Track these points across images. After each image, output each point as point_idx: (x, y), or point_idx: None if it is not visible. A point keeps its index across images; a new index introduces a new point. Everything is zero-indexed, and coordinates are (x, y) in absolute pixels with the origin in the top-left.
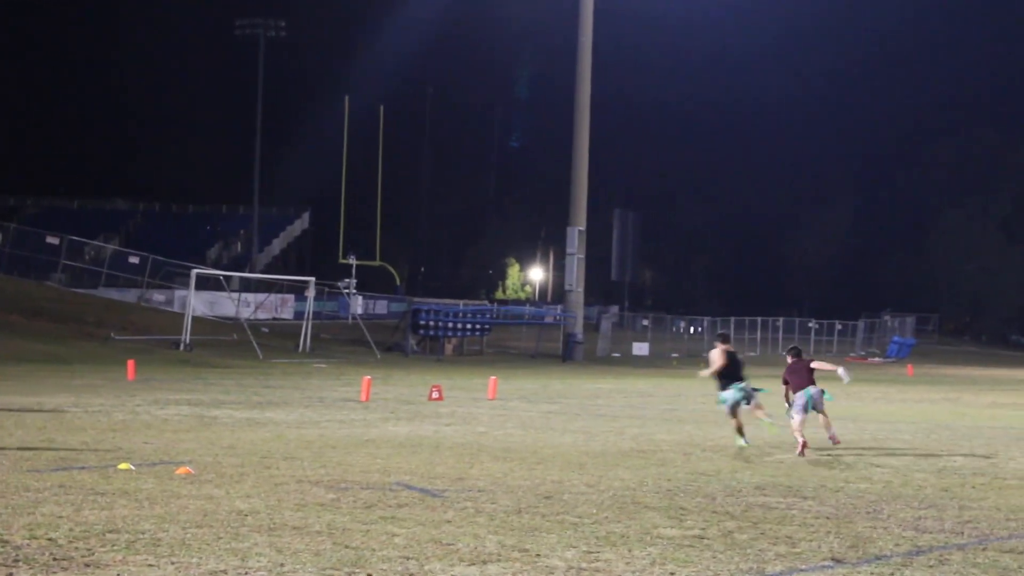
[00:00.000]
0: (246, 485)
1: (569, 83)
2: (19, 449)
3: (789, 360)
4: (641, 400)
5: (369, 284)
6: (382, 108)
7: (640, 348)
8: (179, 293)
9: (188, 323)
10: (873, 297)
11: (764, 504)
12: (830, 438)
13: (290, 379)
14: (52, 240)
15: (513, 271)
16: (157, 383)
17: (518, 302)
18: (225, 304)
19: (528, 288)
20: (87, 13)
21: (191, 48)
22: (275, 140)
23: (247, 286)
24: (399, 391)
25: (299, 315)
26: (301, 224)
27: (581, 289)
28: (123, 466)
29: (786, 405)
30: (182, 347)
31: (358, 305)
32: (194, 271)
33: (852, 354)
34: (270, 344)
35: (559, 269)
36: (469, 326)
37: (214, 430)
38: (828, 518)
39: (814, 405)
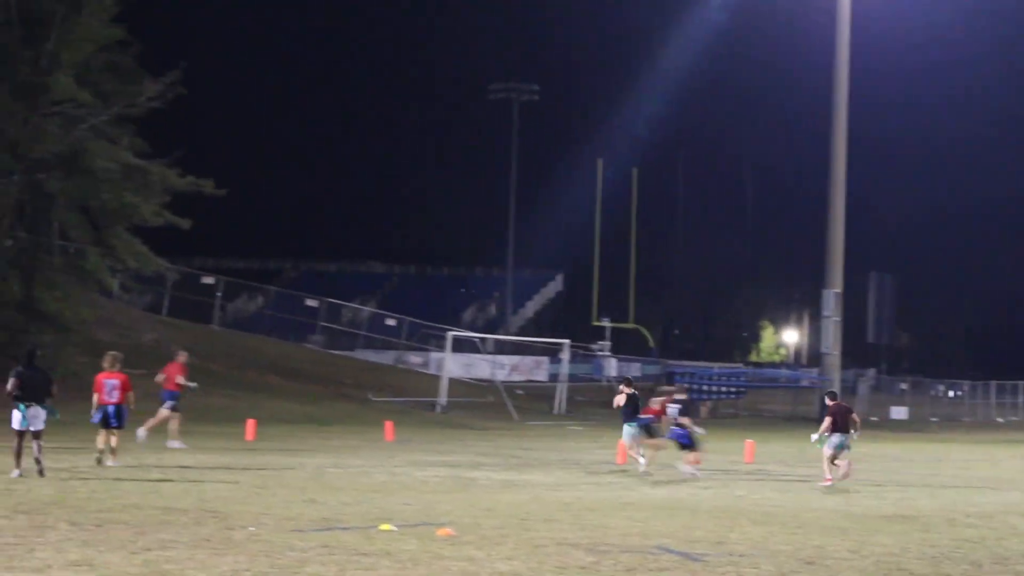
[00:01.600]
0: (506, 547)
1: (823, 147)
2: (283, 509)
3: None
4: (900, 464)
5: (623, 346)
6: (635, 171)
7: (898, 412)
8: (435, 355)
9: (445, 385)
10: None
11: None
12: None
13: (545, 441)
14: (311, 303)
15: (767, 333)
16: (415, 444)
17: (772, 365)
18: (480, 366)
19: (783, 350)
20: (343, 80)
21: (446, 113)
22: (529, 203)
23: (502, 348)
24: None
25: (553, 377)
26: (555, 286)
27: (837, 352)
28: (385, 527)
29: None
30: (438, 408)
31: (612, 367)
32: (450, 333)
33: None
34: (525, 406)
35: (814, 331)
36: (723, 388)
37: (472, 491)
38: None
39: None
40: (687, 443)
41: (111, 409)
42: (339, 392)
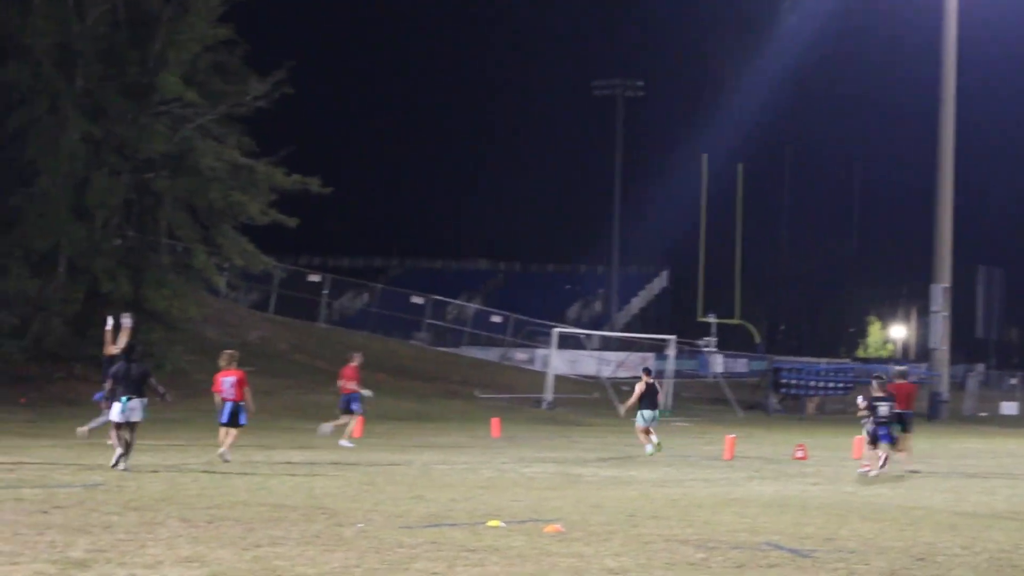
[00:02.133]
0: (615, 543)
1: (930, 140)
2: (391, 505)
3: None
4: (1012, 460)
5: (729, 342)
6: (740, 166)
7: (1008, 407)
8: (540, 352)
9: (550, 381)
10: None
11: None
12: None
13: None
14: (417, 300)
15: (874, 329)
16: (521, 441)
17: (880, 360)
18: (586, 362)
19: (890, 346)
20: (449, 77)
21: (550, 109)
22: (634, 199)
23: (607, 344)
24: (762, 450)
25: (659, 373)
26: (660, 283)
27: (946, 347)
28: (493, 523)
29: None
30: (544, 405)
31: (718, 363)
32: (555, 330)
33: None
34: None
35: (922, 326)
36: (831, 384)
37: (580, 488)
38: None
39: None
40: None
41: (229, 406)
42: (446, 389)
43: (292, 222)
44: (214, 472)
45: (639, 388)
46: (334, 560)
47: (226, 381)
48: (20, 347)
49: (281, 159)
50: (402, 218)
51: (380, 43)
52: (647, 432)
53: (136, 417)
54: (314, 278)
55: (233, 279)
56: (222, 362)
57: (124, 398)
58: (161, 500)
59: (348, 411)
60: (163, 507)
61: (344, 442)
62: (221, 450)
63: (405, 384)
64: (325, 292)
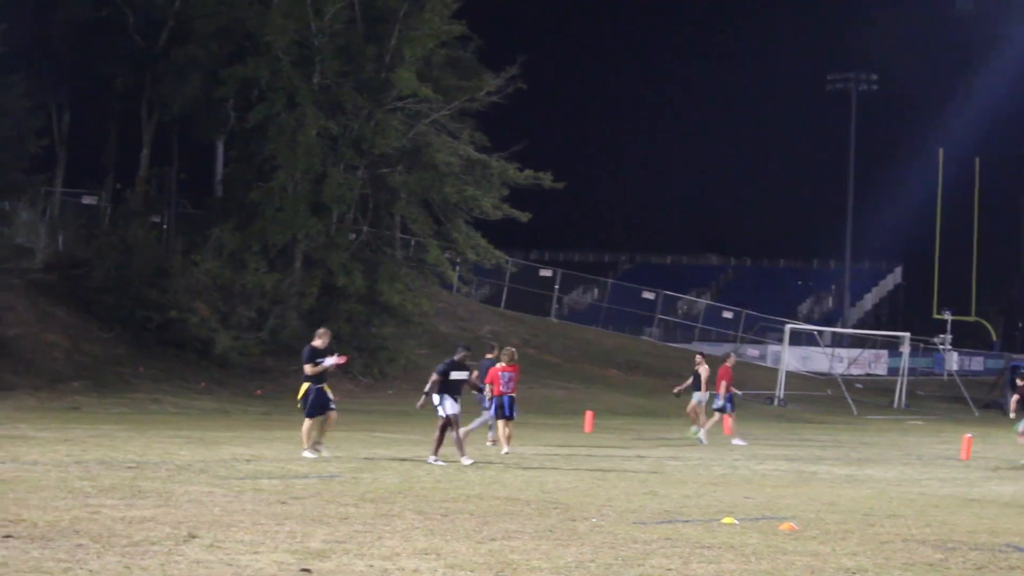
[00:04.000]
0: (851, 542)
1: None
2: (624, 501)
3: None
4: None
5: (964, 339)
6: (977, 160)
7: None
8: (772, 348)
9: (782, 378)
10: None
11: None
12: None
13: (886, 436)
14: (648, 295)
15: None
16: (754, 438)
17: None
18: (818, 359)
19: None
20: (682, 72)
21: (784, 104)
22: (867, 194)
23: (839, 341)
24: (1001, 449)
25: (893, 371)
26: (893, 279)
27: None
28: (727, 520)
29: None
30: (776, 402)
31: (953, 361)
32: (788, 326)
33: None
34: (864, 400)
35: None
36: None
37: (813, 486)
38: None
39: None
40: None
41: (506, 400)
42: (676, 385)
43: (524, 217)
44: (448, 466)
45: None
46: (568, 555)
47: (504, 376)
48: (257, 340)
49: (514, 154)
50: (633, 213)
51: (613, 38)
52: None
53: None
54: (545, 273)
55: (465, 273)
56: (504, 357)
57: (447, 395)
58: (396, 492)
59: (721, 409)
60: (398, 499)
61: (737, 440)
62: (506, 449)
63: (635, 379)
64: (556, 287)
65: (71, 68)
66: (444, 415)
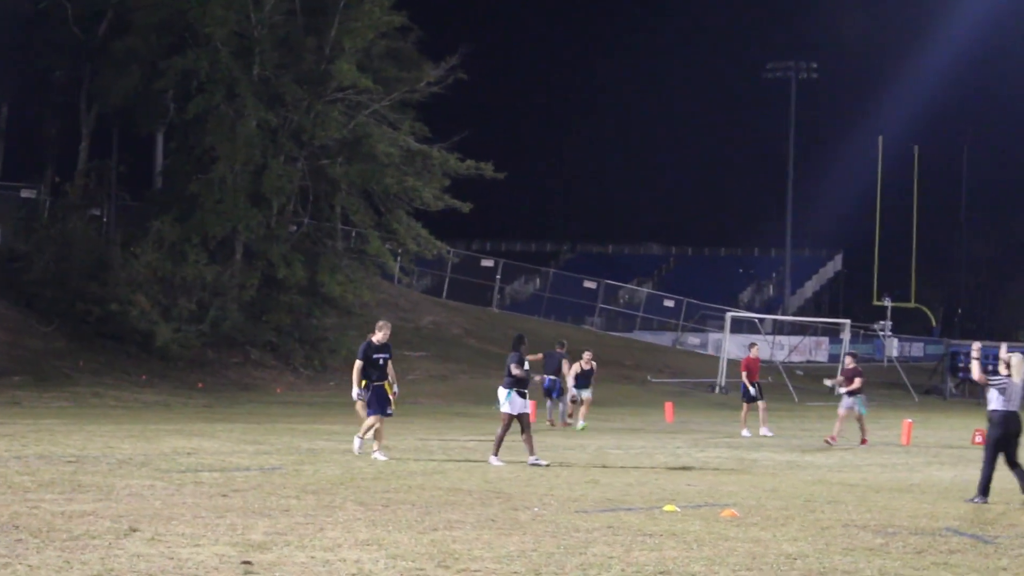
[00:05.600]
0: (792, 528)
1: None
2: (566, 490)
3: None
4: None
5: (904, 326)
6: (916, 148)
7: None
8: (713, 336)
9: (724, 366)
10: None
11: None
12: None
13: (827, 422)
14: (589, 285)
15: None
16: (695, 425)
17: None
18: (759, 347)
19: None
20: (619, 60)
21: (723, 93)
22: (807, 182)
23: (780, 329)
24: (940, 435)
25: (833, 358)
26: (834, 266)
27: None
28: (669, 508)
29: None
30: (718, 390)
31: (893, 347)
32: (729, 314)
33: None
34: (805, 387)
35: None
36: None
37: (755, 473)
38: None
39: None
40: None
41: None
42: (619, 374)
43: (465, 207)
44: (389, 456)
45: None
46: (510, 544)
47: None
48: (198, 332)
49: (455, 144)
50: (574, 202)
51: (552, 28)
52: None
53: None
54: (487, 263)
55: (407, 264)
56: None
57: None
58: (338, 484)
59: (752, 399)
60: (340, 491)
61: (765, 430)
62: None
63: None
64: (498, 277)
65: (9, 60)
66: (512, 412)
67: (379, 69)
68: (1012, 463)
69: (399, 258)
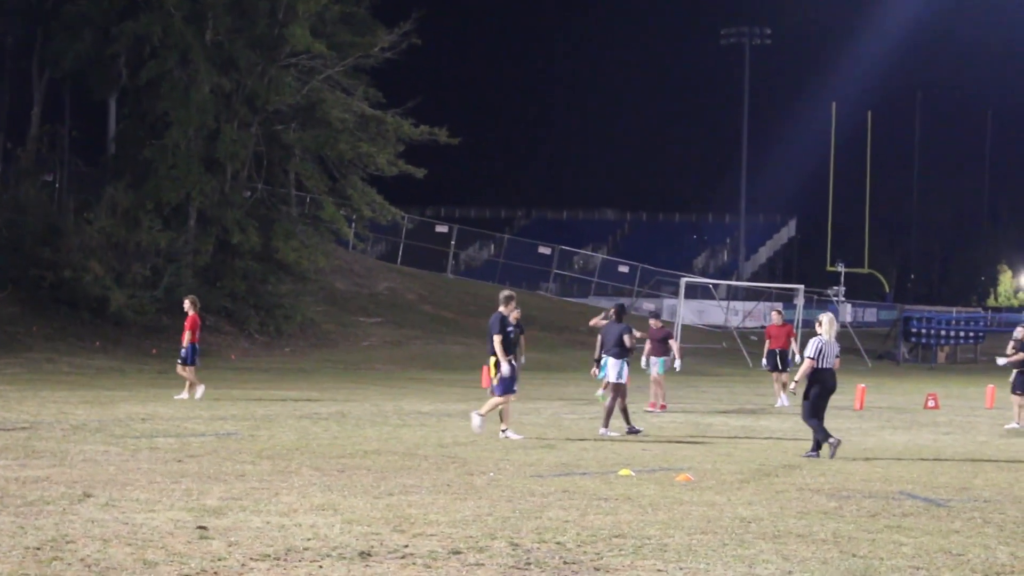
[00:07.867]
0: (747, 492)
1: None
2: (522, 455)
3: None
4: None
5: (858, 291)
6: (870, 113)
7: None
8: (668, 302)
9: (678, 331)
10: None
11: None
12: None
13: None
14: (544, 250)
15: (1005, 278)
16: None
17: (1012, 309)
18: (713, 312)
19: (1022, 295)
20: (575, 26)
21: (678, 58)
22: (761, 148)
23: (735, 294)
24: (893, 399)
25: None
26: (787, 232)
27: None
28: (624, 472)
29: None
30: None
31: (847, 313)
32: (683, 280)
33: None
34: (759, 352)
35: None
36: (963, 334)
37: (710, 438)
38: None
39: None
40: None
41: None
42: (573, 340)
43: (419, 173)
44: (344, 422)
45: None
46: (466, 508)
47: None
48: (152, 298)
49: (409, 110)
50: (529, 168)
51: None
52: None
53: (610, 378)
54: (441, 229)
55: (361, 230)
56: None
57: (607, 360)
58: (293, 449)
59: (774, 368)
60: (295, 456)
61: (781, 400)
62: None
63: (531, 335)
64: (452, 243)
65: None
66: (614, 380)
67: (333, 34)
68: None
69: (353, 224)
